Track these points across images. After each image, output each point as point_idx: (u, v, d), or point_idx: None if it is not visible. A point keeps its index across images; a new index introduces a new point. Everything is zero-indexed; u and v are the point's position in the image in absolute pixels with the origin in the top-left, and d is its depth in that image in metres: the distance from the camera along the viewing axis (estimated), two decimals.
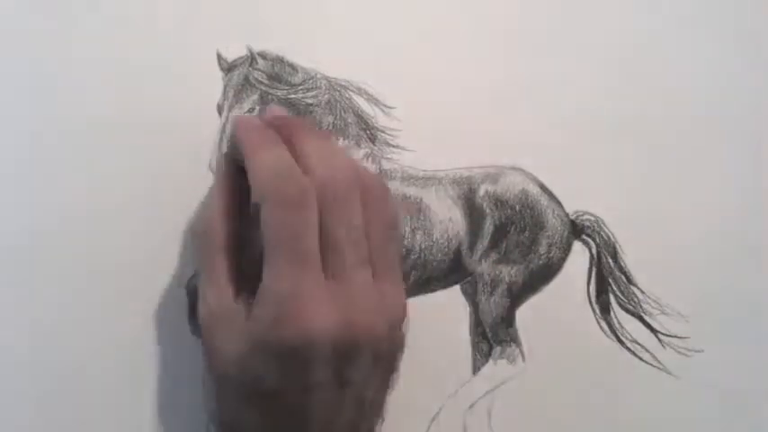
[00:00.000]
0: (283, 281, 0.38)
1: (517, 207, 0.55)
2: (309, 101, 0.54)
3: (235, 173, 0.44)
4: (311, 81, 0.55)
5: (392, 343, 0.42)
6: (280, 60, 0.54)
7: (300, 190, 0.39)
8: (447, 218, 0.54)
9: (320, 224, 0.39)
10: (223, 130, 0.53)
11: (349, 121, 0.55)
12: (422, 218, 0.54)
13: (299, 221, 0.38)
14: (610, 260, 0.55)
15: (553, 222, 0.55)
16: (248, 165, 0.41)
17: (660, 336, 0.54)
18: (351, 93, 0.55)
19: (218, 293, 0.41)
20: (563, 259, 0.55)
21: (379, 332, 0.40)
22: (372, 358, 0.40)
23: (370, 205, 0.41)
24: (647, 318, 0.54)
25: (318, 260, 0.39)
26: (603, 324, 0.54)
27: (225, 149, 0.52)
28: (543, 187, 0.55)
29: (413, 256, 0.54)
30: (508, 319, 0.54)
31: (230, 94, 0.54)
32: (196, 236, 0.46)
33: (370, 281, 0.41)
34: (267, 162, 0.40)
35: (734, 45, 0.57)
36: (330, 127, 0.55)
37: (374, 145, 0.55)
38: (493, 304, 0.54)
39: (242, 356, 0.39)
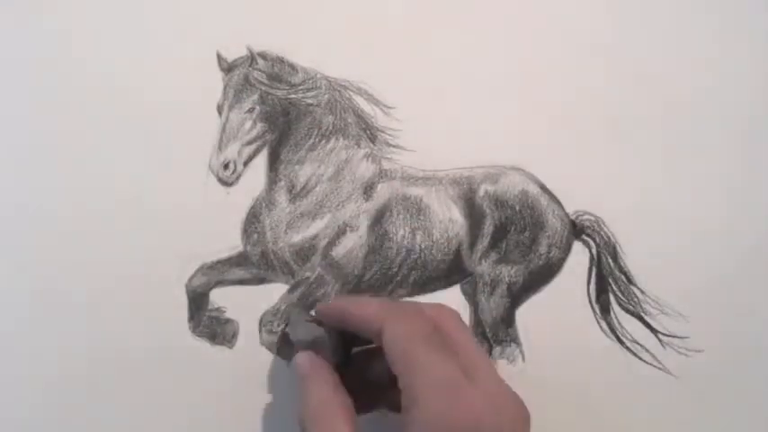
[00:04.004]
0: (441, 371, 0.40)
1: (517, 207, 0.55)
2: (309, 101, 0.55)
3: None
4: (311, 81, 0.55)
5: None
6: (280, 60, 0.54)
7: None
8: (447, 218, 0.54)
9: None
10: (223, 130, 0.53)
11: (349, 121, 0.55)
12: (422, 218, 0.54)
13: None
14: (610, 260, 0.55)
15: (553, 222, 0.55)
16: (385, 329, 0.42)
17: (660, 336, 0.54)
18: (351, 93, 0.55)
19: None
20: (563, 259, 0.55)
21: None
22: None
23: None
24: (647, 318, 0.54)
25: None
26: (603, 324, 0.54)
27: (224, 149, 0.53)
28: (543, 187, 0.55)
29: (413, 256, 0.54)
30: (508, 319, 0.54)
31: (230, 94, 0.54)
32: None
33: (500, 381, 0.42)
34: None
35: (734, 46, 0.57)
36: (330, 127, 0.55)
37: (374, 145, 0.55)
38: (493, 304, 0.54)
39: None
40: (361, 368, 0.46)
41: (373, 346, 0.45)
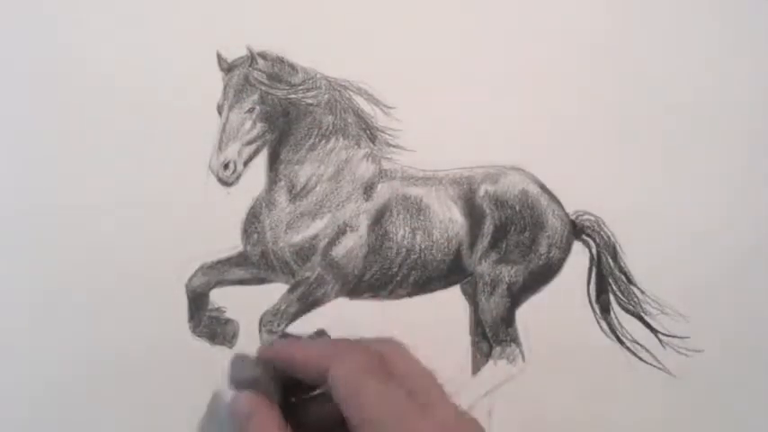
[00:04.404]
0: (390, 405, 0.39)
1: (517, 207, 0.55)
2: (309, 101, 0.55)
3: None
4: (311, 81, 0.55)
5: None
6: (280, 60, 0.54)
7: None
8: (447, 218, 0.54)
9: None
10: (223, 130, 0.53)
11: (349, 121, 0.55)
12: (422, 218, 0.54)
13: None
14: (610, 260, 0.55)
15: (553, 222, 0.55)
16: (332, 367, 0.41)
17: (660, 336, 0.54)
18: (351, 93, 0.55)
19: None
20: (563, 259, 0.55)
21: None
22: None
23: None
24: (647, 318, 0.54)
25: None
26: (603, 324, 0.54)
27: (224, 149, 0.53)
28: (543, 187, 0.55)
29: (413, 256, 0.54)
30: (508, 319, 0.54)
31: (230, 94, 0.54)
32: None
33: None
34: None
35: (734, 47, 0.57)
36: (330, 127, 0.55)
37: (374, 145, 0.55)
38: (493, 304, 0.54)
39: None
40: (306, 414, 0.45)
41: (315, 393, 0.44)
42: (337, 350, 0.42)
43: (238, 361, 0.45)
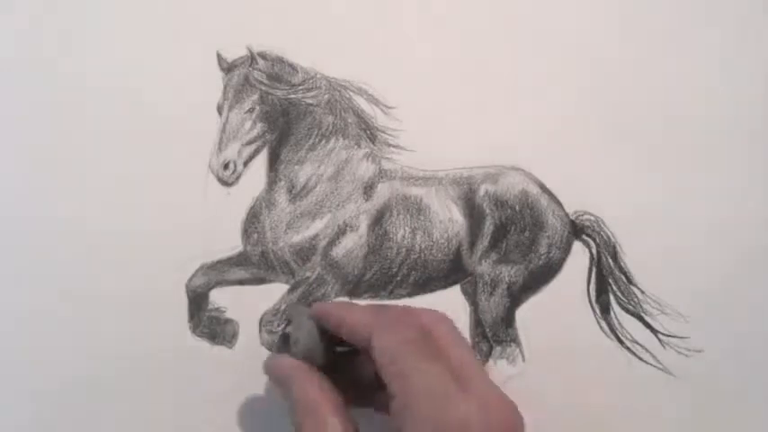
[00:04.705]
0: (430, 378, 0.39)
1: (517, 207, 0.55)
2: (309, 101, 0.55)
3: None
4: (311, 81, 0.55)
5: None
6: (280, 60, 0.54)
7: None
8: (447, 218, 0.54)
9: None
10: (223, 130, 0.53)
11: (349, 121, 0.55)
12: (422, 218, 0.54)
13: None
14: (610, 260, 0.55)
15: (553, 222, 0.55)
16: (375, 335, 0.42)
17: (660, 336, 0.54)
18: (351, 93, 0.55)
19: None
20: (563, 259, 0.55)
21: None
22: None
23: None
24: (647, 318, 0.54)
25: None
26: (603, 324, 0.54)
27: (224, 149, 0.53)
28: (543, 187, 0.55)
29: (413, 256, 0.54)
30: (508, 319, 0.54)
31: (230, 94, 0.54)
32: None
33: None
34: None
35: (734, 47, 0.57)
36: (330, 127, 0.55)
37: (374, 145, 0.55)
38: (493, 304, 0.54)
39: None
40: (347, 370, 0.46)
41: (353, 348, 0.45)
42: (381, 320, 0.43)
43: (296, 307, 0.48)
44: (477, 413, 0.38)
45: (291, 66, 0.54)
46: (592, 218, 0.55)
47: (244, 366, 0.52)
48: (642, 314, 0.54)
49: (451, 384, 0.39)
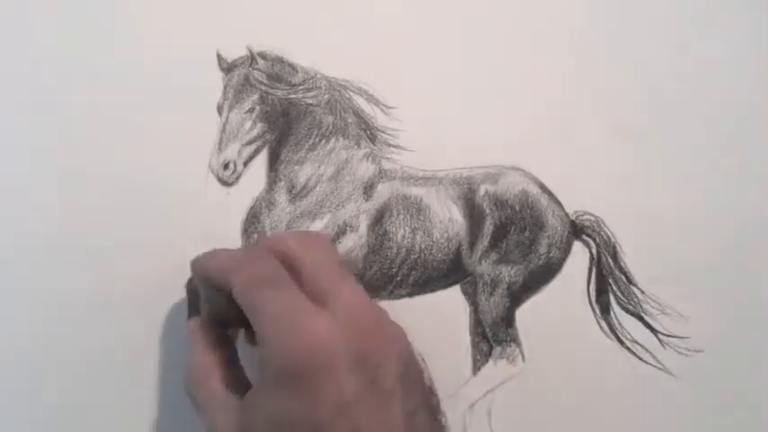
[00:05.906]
0: (280, 305, 0.38)
1: (517, 207, 0.55)
2: (309, 101, 0.55)
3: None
4: (311, 81, 0.55)
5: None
6: (280, 60, 0.54)
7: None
8: (447, 218, 0.54)
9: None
10: (223, 130, 0.53)
11: (349, 121, 0.55)
12: (422, 218, 0.54)
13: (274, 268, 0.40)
14: (610, 260, 0.55)
15: (553, 222, 0.55)
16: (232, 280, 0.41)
17: (660, 336, 0.54)
18: (351, 93, 0.55)
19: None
20: (563, 259, 0.55)
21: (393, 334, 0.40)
22: (396, 362, 0.38)
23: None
24: (647, 318, 0.54)
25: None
26: (603, 324, 0.54)
27: (224, 149, 0.53)
28: (543, 187, 0.55)
29: (413, 256, 0.54)
30: (508, 319, 0.54)
31: (230, 94, 0.54)
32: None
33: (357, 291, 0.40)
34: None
35: (734, 47, 0.57)
36: (330, 127, 0.55)
37: (374, 145, 0.55)
38: (493, 304, 0.54)
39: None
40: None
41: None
42: (237, 261, 0.41)
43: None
44: (333, 329, 0.36)
45: (291, 66, 0.54)
46: (592, 218, 0.55)
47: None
48: (642, 314, 0.54)
49: (304, 305, 0.37)
